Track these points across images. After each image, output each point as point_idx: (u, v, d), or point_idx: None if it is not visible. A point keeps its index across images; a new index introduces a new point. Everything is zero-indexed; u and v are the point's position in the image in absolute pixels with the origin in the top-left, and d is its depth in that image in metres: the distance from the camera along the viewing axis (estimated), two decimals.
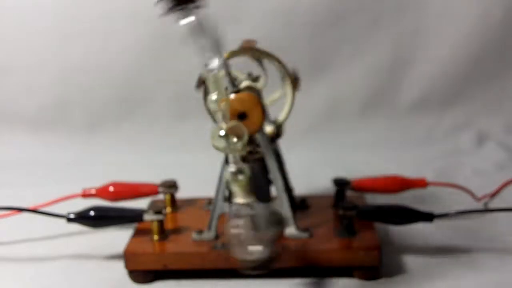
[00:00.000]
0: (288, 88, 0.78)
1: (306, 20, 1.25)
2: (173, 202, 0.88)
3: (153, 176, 0.90)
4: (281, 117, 0.79)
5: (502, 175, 1.02)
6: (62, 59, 1.28)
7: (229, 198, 0.74)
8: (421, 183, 0.88)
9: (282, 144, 0.83)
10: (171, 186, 0.87)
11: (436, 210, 0.79)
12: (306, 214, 0.83)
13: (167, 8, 0.67)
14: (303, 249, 0.73)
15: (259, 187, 0.77)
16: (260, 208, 0.67)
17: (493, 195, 0.96)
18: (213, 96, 0.69)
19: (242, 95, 0.72)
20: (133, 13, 1.24)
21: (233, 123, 0.68)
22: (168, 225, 0.81)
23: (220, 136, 0.68)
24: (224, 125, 0.68)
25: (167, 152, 1.20)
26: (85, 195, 0.88)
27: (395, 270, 0.75)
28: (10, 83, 1.29)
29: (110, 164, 1.17)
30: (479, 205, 0.93)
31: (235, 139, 0.68)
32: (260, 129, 0.73)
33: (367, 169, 1.04)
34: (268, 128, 0.78)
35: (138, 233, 0.79)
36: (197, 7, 0.68)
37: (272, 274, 0.74)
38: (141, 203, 0.86)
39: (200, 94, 0.78)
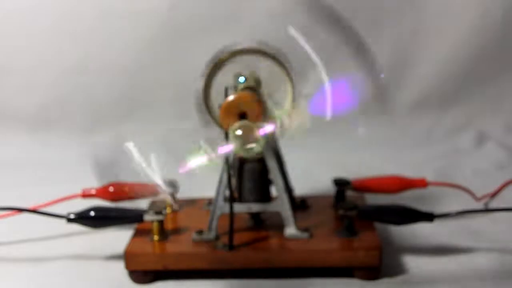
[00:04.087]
0: (289, 89, 0.78)
1: (306, 20, 1.24)
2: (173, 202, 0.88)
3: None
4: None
5: (502, 175, 1.02)
6: (62, 59, 1.28)
7: (229, 198, 0.74)
8: (421, 183, 0.88)
9: (282, 144, 0.83)
10: (171, 186, 0.87)
11: (436, 210, 0.79)
12: (306, 214, 0.83)
13: None
14: (303, 249, 0.73)
15: (259, 187, 0.78)
16: None
17: (493, 195, 0.96)
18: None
19: (242, 94, 0.72)
20: (133, 13, 1.24)
21: (244, 123, 0.69)
22: (168, 225, 0.81)
23: (235, 137, 0.68)
24: (237, 125, 0.68)
25: (167, 152, 1.20)
26: (85, 195, 0.88)
27: (395, 270, 0.75)
28: (10, 83, 1.29)
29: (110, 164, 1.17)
30: (479, 205, 0.93)
31: (250, 145, 0.69)
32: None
33: (367, 169, 1.04)
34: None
35: (138, 233, 0.79)
36: None
37: (272, 274, 0.74)
38: (141, 203, 0.86)
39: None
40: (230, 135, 0.71)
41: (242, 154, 0.72)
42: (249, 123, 0.70)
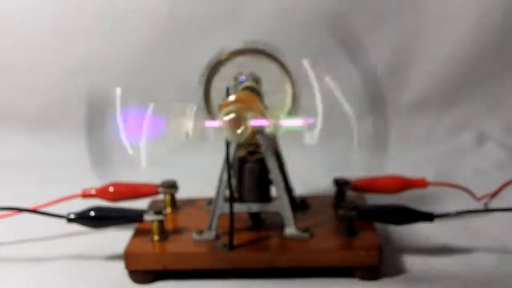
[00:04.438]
0: (289, 89, 0.78)
1: (306, 20, 1.24)
2: (173, 202, 0.88)
3: (153, 176, 0.90)
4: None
5: (502, 175, 1.02)
6: (62, 59, 1.28)
7: (229, 198, 0.74)
8: (421, 183, 0.88)
9: (282, 144, 0.83)
10: (171, 186, 0.87)
11: (436, 210, 0.79)
12: (306, 214, 0.83)
13: None
14: (303, 249, 0.73)
15: (259, 187, 0.78)
16: None
17: (493, 195, 0.96)
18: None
19: (242, 95, 0.72)
20: (133, 13, 1.24)
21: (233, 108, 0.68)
22: (168, 225, 0.81)
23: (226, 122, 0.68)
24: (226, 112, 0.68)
25: (167, 152, 1.20)
26: (85, 195, 0.88)
27: (395, 270, 0.76)
28: (10, 83, 1.29)
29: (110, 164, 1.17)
30: (479, 205, 0.93)
31: (239, 130, 0.68)
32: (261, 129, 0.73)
33: (367, 169, 1.03)
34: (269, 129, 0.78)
35: (138, 233, 0.79)
36: None
37: (272, 274, 0.74)
38: (141, 203, 0.86)
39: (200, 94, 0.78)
40: (220, 119, 0.69)
41: (232, 140, 0.70)
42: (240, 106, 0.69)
